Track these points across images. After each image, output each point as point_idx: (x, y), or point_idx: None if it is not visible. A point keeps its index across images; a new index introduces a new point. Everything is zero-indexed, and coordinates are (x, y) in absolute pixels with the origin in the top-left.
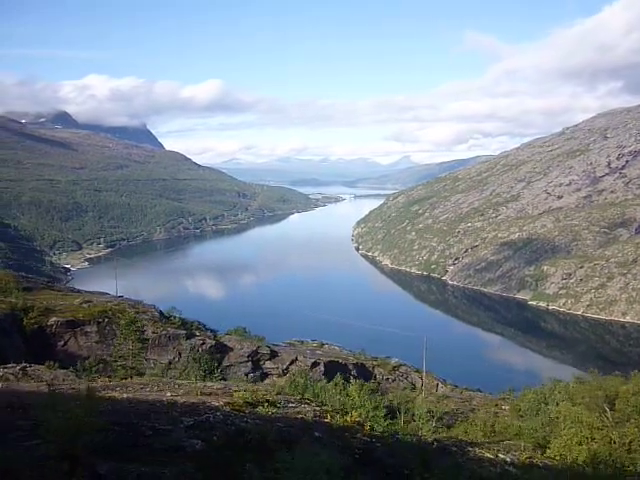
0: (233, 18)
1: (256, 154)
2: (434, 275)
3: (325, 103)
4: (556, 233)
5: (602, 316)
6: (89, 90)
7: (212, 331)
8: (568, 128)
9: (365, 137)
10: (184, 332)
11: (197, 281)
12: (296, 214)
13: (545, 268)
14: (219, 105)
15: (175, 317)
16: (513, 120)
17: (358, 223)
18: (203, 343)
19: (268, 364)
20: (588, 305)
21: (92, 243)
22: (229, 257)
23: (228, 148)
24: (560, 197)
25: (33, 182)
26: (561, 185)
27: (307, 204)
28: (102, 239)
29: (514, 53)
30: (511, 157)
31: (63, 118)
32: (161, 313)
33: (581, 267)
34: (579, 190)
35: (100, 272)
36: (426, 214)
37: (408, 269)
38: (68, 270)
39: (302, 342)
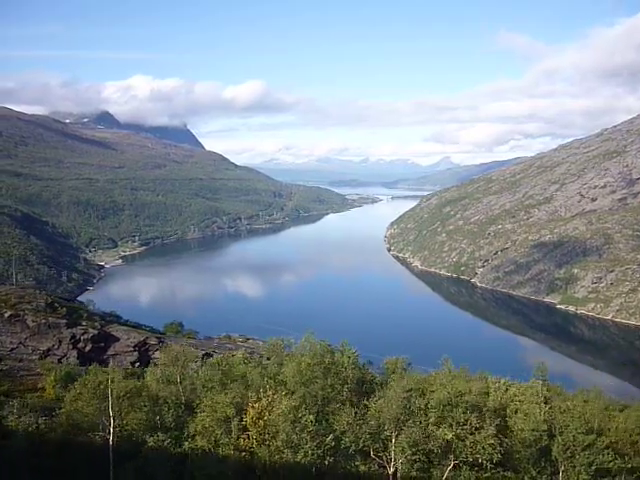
0: (275, 17)
1: (296, 154)
2: (463, 277)
3: (365, 104)
4: (588, 236)
5: (632, 321)
6: (132, 91)
7: (107, 321)
8: (607, 129)
9: (405, 138)
10: (65, 321)
11: (226, 281)
12: (331, 214)
13: (575, 271)
14: (260, 105)
15: (61, 307)
16: (554, 121)
17: (391, 224)
18: (85, 332)
19: (157, 354)
20: (618, 310)
21: (127, 241)
22: (262, 257)
23: (268, 148)
24: (594, 199)
25: (72, 181)
26: (596, 187)
27: (343, 205)
28: (137, 237)
29: (551, 53)
30: (546, 158)
31: (105, 118)
32: (50, 304)
33: (612, 271)
34: (614, 192)
35: (132, 270)
36: (457, 215)
37: (437, 271)
38: (102, 267)
39: (229, 336)
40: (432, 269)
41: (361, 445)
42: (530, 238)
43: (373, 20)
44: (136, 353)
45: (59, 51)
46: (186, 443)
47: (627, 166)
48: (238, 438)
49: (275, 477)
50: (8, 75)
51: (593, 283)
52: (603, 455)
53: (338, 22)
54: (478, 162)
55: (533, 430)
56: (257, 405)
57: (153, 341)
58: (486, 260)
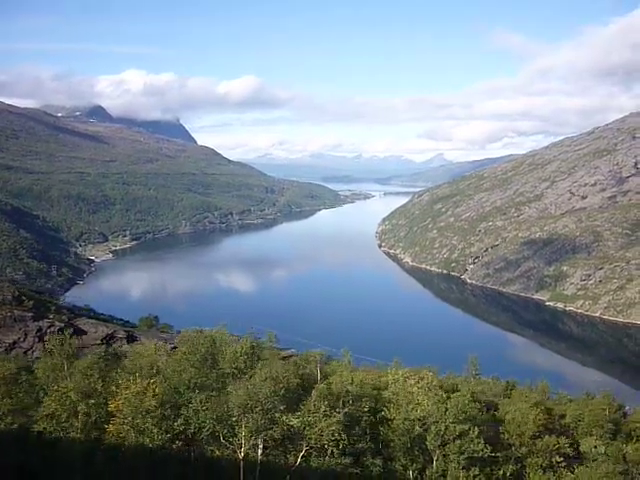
0: (272, 14)
1: (290, 150)
2: (453, 274)
3: (361, 100)
4: (577, 233)
5: (620, 319)
6: (125, 85)
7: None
8: (598, 127)
9: (400, 135)
10: (31, 314)
11: (216, 276)
12: (324, 210)
13: (564, 268)
14: (254, 101)
15: (28, 300)
16: (548, 119)
17: (383, 220)
18: (51, 325)
19: (126, 347)
20: (606, 307)
21: (118, 235)
22: (253, 252)
23: (262, 143)
24: (584, 197)
25: (64, 175)
26: (586, 185)
27: (335, 200)
28: (128, 232)
29: (546, 52)
30: (538, 156)
31: (98, 112)
32: (17, 297)
33: (600, 268)
34: (604, 190)
35: (123, 264)
36: (448, 212)
37: (428, 267)
38: (92, 261)
39: (202, 330)
40: (422, 265)
41: (208, 430)
42: (520, 235)
43: (370, 18)
44: (103, 346)
45: (52, 44)
46: (35, 426)
47: (617, 164)
48: (87, 423)
49: (122, 460)
50: (0, 68)
51: (582, 280)
52: (474, 444)
53: (335, 20)
54: (471, 159)
55: (405, 419)
56: (124, 392)
57: (121, 334)
58: (476, 257)
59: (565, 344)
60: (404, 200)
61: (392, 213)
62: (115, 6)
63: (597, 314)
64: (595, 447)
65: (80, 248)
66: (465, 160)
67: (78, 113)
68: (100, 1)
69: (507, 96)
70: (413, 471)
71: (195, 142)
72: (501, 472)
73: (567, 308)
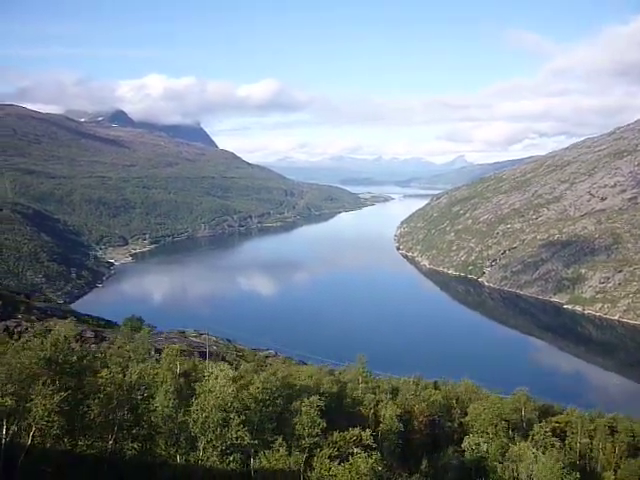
0: (290, 15)
1: (309, 152)
2: (471, 276)
3: (378, 101)
4: (597, 235)
5: (639, 322)
6: (146, 89)
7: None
8: (619, 128)
9: (419, 136)
10: None
11: (235, 279)
12: (343, 213)
13: (583, 271)
14: (274, 104)
15: None
16: (568, 119)
17: (402, 223)
18: (18, 325)
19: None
20: (625, 310)
21: (138, 239)
22: (272, 255)
23: (282, 146)
24: (604, 199)
25: (85, 179)
26: (606, 186)
27: (355, 203)
28: (148, 235)
29: (562, 51)
30: (557, 157)
31: (119, 117)
32: None
33: (620, 271)
34: (624, 192)
35: (142, 267)
36: (466, 215)
37: (445, 270)
38: (112, 264)
39: (183, 332)
40: (440, 268)
41: None
42: (539, 237)
43: (381, 20)
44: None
45: (74, 49)
46: None
47: (638, 165)
48: None
49: None
50: (23, 74)
51: (601, 283)
52: (234, 432)
53: (348, 21)
54: (492, 161)
55: (165, 407)
56: None
57: (89, 334)
58: (494, 259)
59: (584, 347)
60: (423, 202)
61: (410, 216)
62: (135, 10)
63: (616, 317)
64: (478, 444)
65: (100, 251)
66: (486, 162)
67: (101, 118)
68: (120, 6)
69: (525, 97)
70: (180, 456)
71: (216, 146)
72: (292, 460)
73: (586, 311)
